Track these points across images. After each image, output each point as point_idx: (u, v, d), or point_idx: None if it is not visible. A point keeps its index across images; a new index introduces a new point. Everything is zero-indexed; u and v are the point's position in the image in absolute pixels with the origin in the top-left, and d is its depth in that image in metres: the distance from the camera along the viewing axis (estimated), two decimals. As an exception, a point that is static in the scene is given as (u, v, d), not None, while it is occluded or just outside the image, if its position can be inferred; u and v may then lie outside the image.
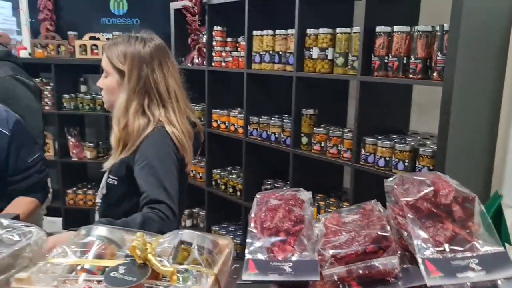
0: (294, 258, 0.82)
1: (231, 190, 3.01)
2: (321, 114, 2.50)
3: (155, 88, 1.48)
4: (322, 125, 2.45)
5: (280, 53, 2.52)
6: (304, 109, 2.46)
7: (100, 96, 3.81)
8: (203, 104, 3.09)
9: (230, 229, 3.18)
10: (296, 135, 2.49)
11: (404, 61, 1.96)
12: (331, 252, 0.81)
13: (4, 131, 1.78)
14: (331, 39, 2.28)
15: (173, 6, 3.24)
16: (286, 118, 2.66)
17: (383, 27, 2.01)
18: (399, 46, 1.96)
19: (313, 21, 2.38)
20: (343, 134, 2.29)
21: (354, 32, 2.15)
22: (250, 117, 2.77)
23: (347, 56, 2.21)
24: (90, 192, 3.85)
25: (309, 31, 2.35)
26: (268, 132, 2.68)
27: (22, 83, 2.17)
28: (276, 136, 2.63)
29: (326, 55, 2.29)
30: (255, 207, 0.97)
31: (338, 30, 2.24)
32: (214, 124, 3.04)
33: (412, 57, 1.92)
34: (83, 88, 3.94)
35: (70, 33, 3.79)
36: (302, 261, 0.80)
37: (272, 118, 2.68)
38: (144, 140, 1.42)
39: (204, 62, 3.06)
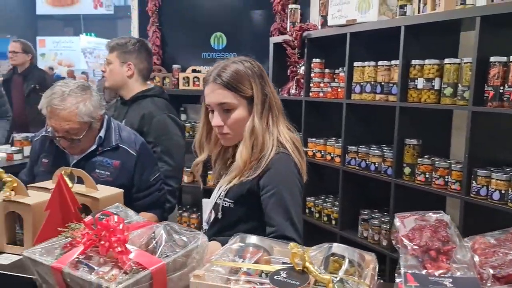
0: (452, 275, 0.84)
1: (325, 218, 3.03)
2: (424, 144, 2.48)
3: (274, 102, 1.46)
4: (426, 156, 2.42)
5: (383, 83, 2.56)
6: (408, 139, 2.45)
7: (199, 124, 4.12)
8: (299, 133, 3.18)
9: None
10: (398, 165, 2.48)
11: (523, 91, 1.91)
12: (491, 271, 0.82)
13: (132, 152, 1.99)
14: (438, 70, 2.29)
15: (273, 40, 3.43)
16: (386, 147, 2.66)
17: (498, 57, 1.98)
18: (517, 76, 1.92)
19: (417, 52, 2.41)
20: (450, 165, 2.24)
21: (464, 63, 2.14)
22: (348, 146, 2.81)
23: (456, 87, 2.19)
24: (185, 214, 4.07)
25: (414, 61, 2.38)
26: (367, 162, 2.69)
27: (174, 121, 2.34)
28: (376, 165, 2.63)
29: (433, 86, 2.29)
30: (401, 227, 1.01)
31: (447, 60, 2.24)
32: (310, 153, 3.11)
33: (532, 86, 1.87)
34: (183, 116, 4.24)
35: (174, 66, 4.14)
36: (463, 278, 0.83)
37: (371, 148, 2.70)
38: (270, 165, 1.38)
39: (301, 93, 3.18)
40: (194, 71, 4.05)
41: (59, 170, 1.47)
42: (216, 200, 1.51)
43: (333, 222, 2.97)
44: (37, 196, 1.31)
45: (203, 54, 4.25)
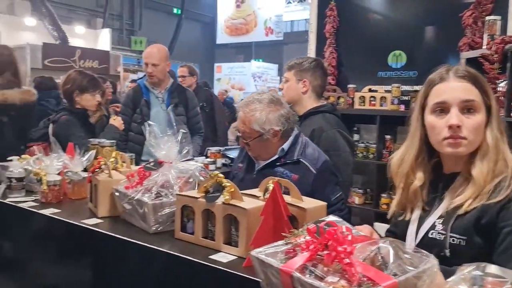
0: None
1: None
2: None
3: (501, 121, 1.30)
4: None
5: None
6: None
7: (373, 144, 4.01)
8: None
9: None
10: None
11: None
12: None
13: (312, 169, 1.99)
14: None
15: (465, 55, 3.14)
16: None
17: None
18: None
19: None
20: None
21: None
22: None
23: None
24: (355, 236, 3.95)
25: None
26: None
27: (344, 137, 2.35)
28: None
29: None
30: None
31: None
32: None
33: None
34: (356, 136, 4.15)
35: (349, 86, 4.13)
36: None
37: None
38: None
39: (501, 112, 2.81)
40: (370, 90, 3.97)
41: (266, 180, 1.55)
42: (429, 233, 1.30)
43: None
44: (250, 202, 1.40)
45: (379, 73, 4.14)
